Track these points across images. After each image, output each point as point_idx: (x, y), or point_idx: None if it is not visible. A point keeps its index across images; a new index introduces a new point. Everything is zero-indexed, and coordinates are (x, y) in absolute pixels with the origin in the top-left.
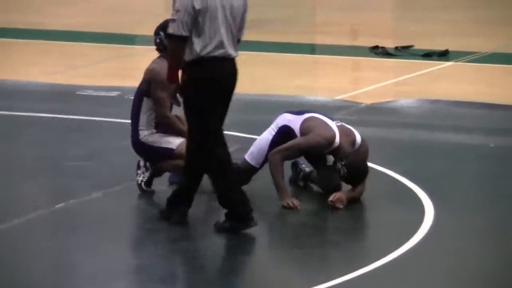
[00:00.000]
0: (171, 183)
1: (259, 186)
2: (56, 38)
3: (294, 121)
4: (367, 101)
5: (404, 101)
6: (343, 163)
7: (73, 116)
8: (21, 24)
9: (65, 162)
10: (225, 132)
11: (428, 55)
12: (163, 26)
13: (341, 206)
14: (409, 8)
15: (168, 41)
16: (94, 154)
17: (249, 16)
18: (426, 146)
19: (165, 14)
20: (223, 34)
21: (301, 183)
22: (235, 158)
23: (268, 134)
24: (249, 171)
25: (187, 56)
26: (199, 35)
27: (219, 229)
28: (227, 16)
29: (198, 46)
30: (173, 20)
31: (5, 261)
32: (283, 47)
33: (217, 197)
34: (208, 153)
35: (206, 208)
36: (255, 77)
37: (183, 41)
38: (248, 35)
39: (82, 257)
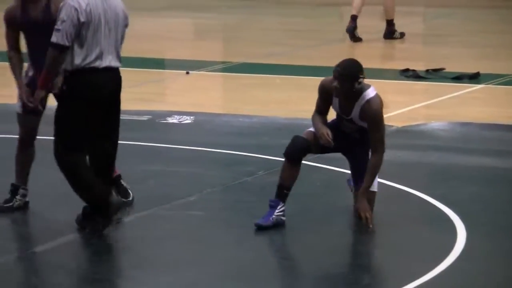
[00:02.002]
0: None
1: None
2: None
3: None
4: (398, 124)
5: (435, 124)
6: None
7: None
8: None
9: None
10: (255, 155)
11: (458, 78)
12: None
13: (368, 216)
14: (439, 32)
15: (51, 50)
16: (124, 178)
17: (280, 41)
18: (457, 169)
19: (194, 38)
20: (105, 46)
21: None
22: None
23: None
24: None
25: (68, 66)
26: (81, 46)
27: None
28: (111, 28)
29: (80, 56)
30: (58, 30)
31: (35, 285)
32: (314, 71)
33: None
34: (59, 160)
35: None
36: (286, 101)
37: (65, 50)
38: (279, 60)
39: (114, 284)
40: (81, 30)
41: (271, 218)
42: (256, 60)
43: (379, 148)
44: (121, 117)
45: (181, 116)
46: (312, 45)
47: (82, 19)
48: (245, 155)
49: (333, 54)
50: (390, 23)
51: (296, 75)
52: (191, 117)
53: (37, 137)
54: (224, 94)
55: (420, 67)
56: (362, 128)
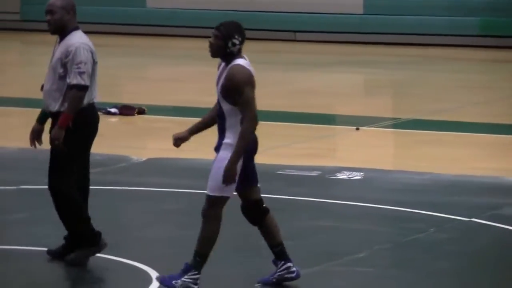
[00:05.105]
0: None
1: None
2: None
3: None
4: None
5: None
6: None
7: (273, 195)
8: None
9: (263, 242)
10: (426, 212)
11: None
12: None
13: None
14: None
15: (77, 92)
16: (293, 234)
17: (450, 97)
18: None
19: (363, 94)
20: (97, 83)
21: None
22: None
23: None
24: None
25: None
26: (91, 85)
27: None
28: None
29: (88, 95)
30: (82, 72)
31: None
32: (485, 128)
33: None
34: (68, 194)
35: None
36: (456, 158)
37: (87, 90)
38: (449, 116)
39: None
40: (92, 70)
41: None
42: (426, 117)
43: (245, 114)
44: (291, 173)
45: (351, 172)
46: (483, 101)
47: (95, 60)
48: (415, 212)
49: (505, 111)
50: None
51: (467, 132)
52: (361, 173)
53: None
54: (394, 151)
55: None
56: (221, 112)
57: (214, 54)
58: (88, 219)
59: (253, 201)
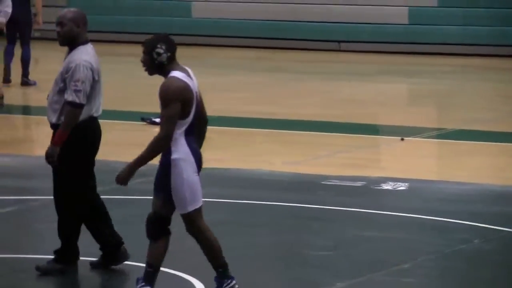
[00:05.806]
0: None
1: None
2: (297, 128)
3: None
4: None
5: None
6: None
7: (318, 205)
8: (261, 114)
9: (307, 251)
10: (470, 222)
11: None
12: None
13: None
14: None
15: (72, 109)
16: (337, 244)
17: (494, 107)
18: None
19: (407, 104)
20: (100, 98)
21: None
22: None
23: None
24: None
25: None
26: (88, 102)
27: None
28: (100, 80)
29: (85, 111)
30: (79, 91)
31: None
32: None
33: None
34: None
35: None
36: (501, 168)
37: (83, 108)
38: (494, 126)
39: None
40: (92, 87)
41: None
42: (469, 127)
43: (160, 128)
44: (336, 183)
45: (396, 183)
46: None
47: (96, 78)
48: (459, 222)
49: None
50: None
51: (511, 142)
52: (406, 184)
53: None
54: (438, 161)
55: None
56: None
57: (148, 71)
58: (76, 236)
59: (164, 217)
